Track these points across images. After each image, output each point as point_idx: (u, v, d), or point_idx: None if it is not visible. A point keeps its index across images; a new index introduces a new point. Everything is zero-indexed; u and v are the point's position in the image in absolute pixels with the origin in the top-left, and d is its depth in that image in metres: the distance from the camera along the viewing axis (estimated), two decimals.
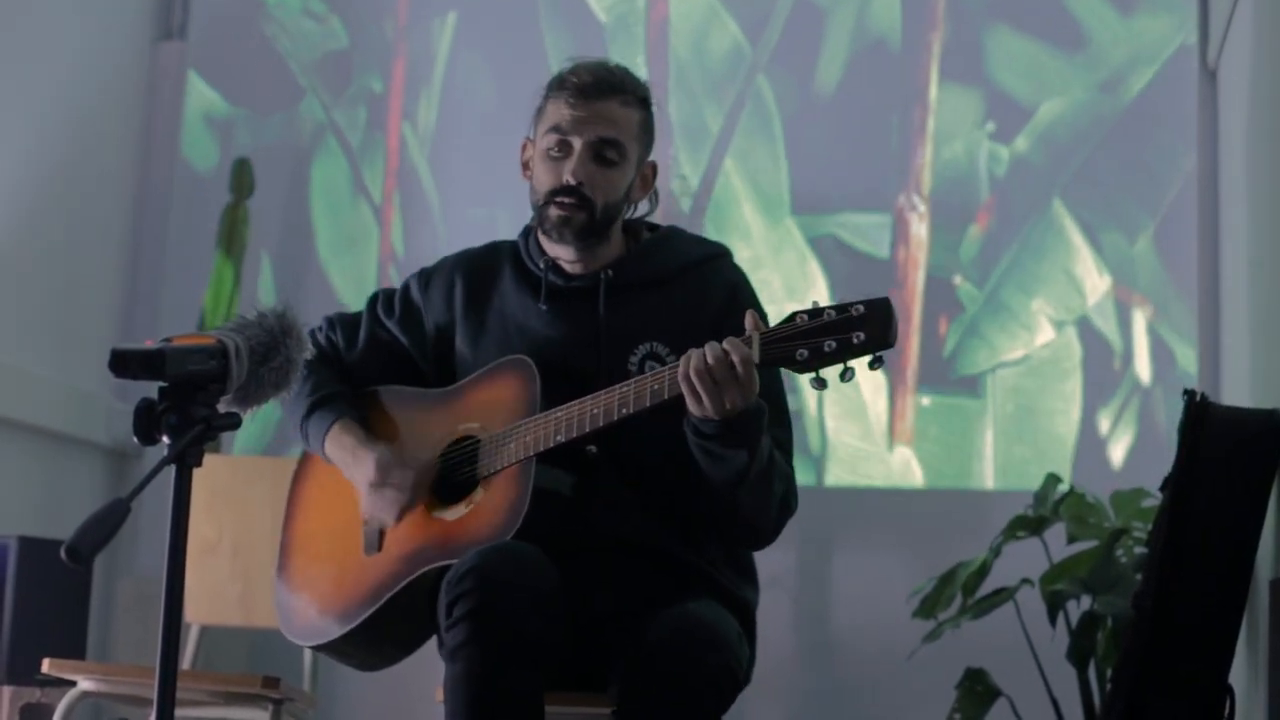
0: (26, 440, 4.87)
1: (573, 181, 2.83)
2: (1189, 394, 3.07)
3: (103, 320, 5.35)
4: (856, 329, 2.52)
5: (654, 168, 2.96)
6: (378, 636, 2.93)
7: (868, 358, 2.53)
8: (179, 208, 5.48)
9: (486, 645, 2.59)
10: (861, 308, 2.53)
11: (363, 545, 2.94)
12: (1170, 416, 4.61)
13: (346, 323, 3.08)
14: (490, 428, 2.84)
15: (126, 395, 5.13)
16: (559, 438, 2.74)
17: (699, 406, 2.61)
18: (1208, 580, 2.94)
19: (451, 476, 2.89)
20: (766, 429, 2.73)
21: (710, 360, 2.59)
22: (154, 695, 2.04)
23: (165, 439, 2.06)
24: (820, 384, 2.56)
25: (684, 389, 2.61)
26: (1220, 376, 4.57)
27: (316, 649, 2.99)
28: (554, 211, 2.86)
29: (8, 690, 4.07)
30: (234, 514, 3.95)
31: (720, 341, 2.60)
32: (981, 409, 4.82)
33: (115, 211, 5.44)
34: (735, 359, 2.58)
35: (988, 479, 4.78)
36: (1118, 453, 4.76)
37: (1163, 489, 3.10)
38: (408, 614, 2.88)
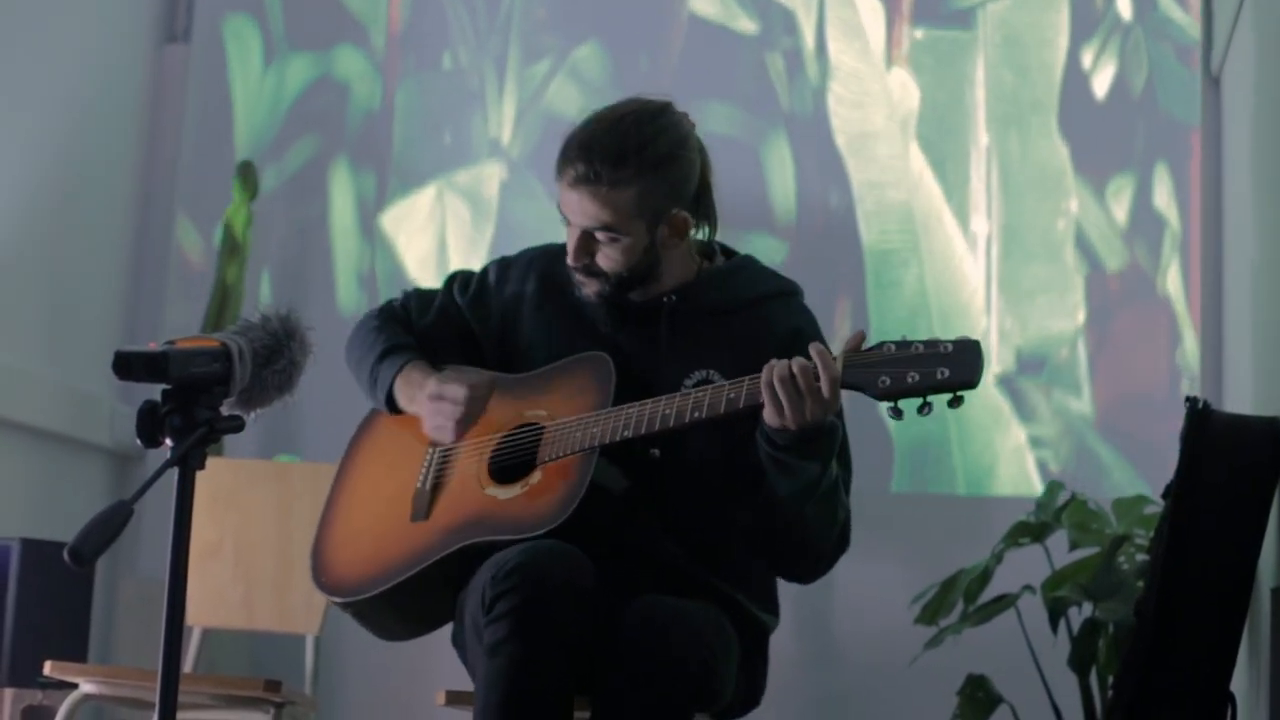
0: (29, 442, 4.87)
1: (572, 263, 2.87)
2: (1191, 401, 3.07)
3: (106, 322, 5.35)
4: (942, 365, 2.53)
5: (683, 219, 2.88)
6: (408, 603, 2.92)
7: (948, 394, 2.54)
8: (183, 209, 5.48)
9: (528, 643, 2.59)
10: (950, 346, 2.54)
11: (411, 511, 2.95)
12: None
13: (422, 295, 3.12)
14: (557, 417, 2.86)
15: (129, 397, 5.13)
16: (626, 433, 2.75)
17: (779, 416, 2.62)
18: (1209, 588, 2.94)
19: (510, 458, 2.90)
20: (837, 449, 2.75)
21: (795, 370, 2.60)
22: (156, 698, 2.04)
23: (168, 441, 2.06)
24: (897, 414, 2.57)
25: (765, 396, 2.62)
26: (1223, 384, 4.57)
27: (344, 606, 2.97)
28: (575, 276, 2.90)
29: (9, 693, 4.07)
30: (236, 517, 3.96)
31: (809, 355, 2.61)
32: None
33: (119, 213, 5.44)
34: (823, 375, 2.59)
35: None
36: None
37: (1165, 496, 3.11)
38: (443, 585, 2.88)
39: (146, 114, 5.55)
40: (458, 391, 2.90)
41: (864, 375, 2.58)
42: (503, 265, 3.08)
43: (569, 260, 2.87)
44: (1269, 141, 3.72)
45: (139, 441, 2.06)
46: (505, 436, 2.92)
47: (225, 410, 2.13)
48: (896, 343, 2.58)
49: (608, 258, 2.86)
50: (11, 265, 4.80)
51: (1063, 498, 4.18)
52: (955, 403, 2.54)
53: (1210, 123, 4.76)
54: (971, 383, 2.52)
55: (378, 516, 2.98)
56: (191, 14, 5.59)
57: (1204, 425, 3.02)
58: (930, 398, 2.54)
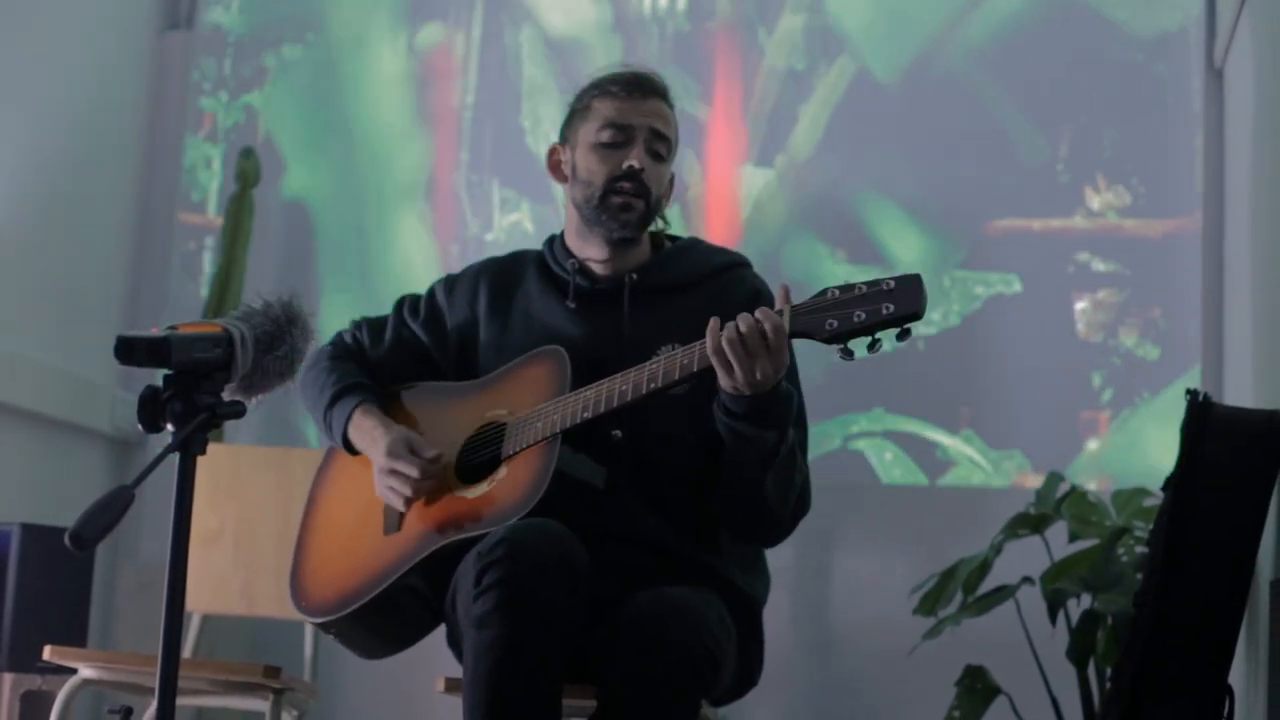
0: (29, 427, 4.87)
1: (637, 165, 2.93)
2: (1192, 394, 3.07)
3: (107, 308, 5.35)
4: (886, 301, 2.54)
5: (673, 177, 3.04)
6: (387, 617, 2.93)
7: (895, 329, 2.56)
8: (184, 195, 5.49)
9: (514, 614, 2.60)
10: (892, 282, 2.56)
11: (383, 526, 2.95)
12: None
13: (373, 324, 3.15)
14: (518, 412, 2.88)
15: (130, 383, 5.14)
16: (585, 414, 2.76)
17: (730, 378, 2.64)
18: (1208, 580, 2.94)
19: (475, 459, 2.91)
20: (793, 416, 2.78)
21: (742, 329, 2.62)
22: (155, 683, 2.04)
23: (169, 427, 2.06)
24: (848, 355, 2.59)
25: (715, 360, 2.64)
26: (1223, 377, 4.58)
27: (324, 627, 2.99)
28: (617, 199, 2.94)
29: (9, 677, 4.07)
30: (237, 503, 3.96)
31: (752, 313, 2.64)
32: None
33: (121, 199, 5.45)
34: (767, 327, 2.62)
35: None
36: None
37: (1164, 489, 3.11)
38: (420, 594, 2.89)
39: (149, 101, 5.55)
40: (410, 470, 2.88)
41: (811, 321, 2.60)
42: (449, 283, 3.12)
43: (630, 164, 2.92)
44: (1270, 134, 3.72)
45: (140, 426, 2.06)
46: (469, 439, 2.93)
47: (227, 396, 2.14)
48: (840, 287, 2.60)
49: (655, 176, 2.96)
50: (13, 251, 4.80)
51: (1062, 489, 4.19)
52: (903, 335, 2.56)
53: (1212, 115, 4.76)
54: (918, 313, 2.54)
55: (351, 535, 2.98)
56: (194, 1, 5.59)
57: (1204, 418, 3.03)
58: (879, 334, 2.56)
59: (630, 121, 2.94)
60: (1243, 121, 4.27)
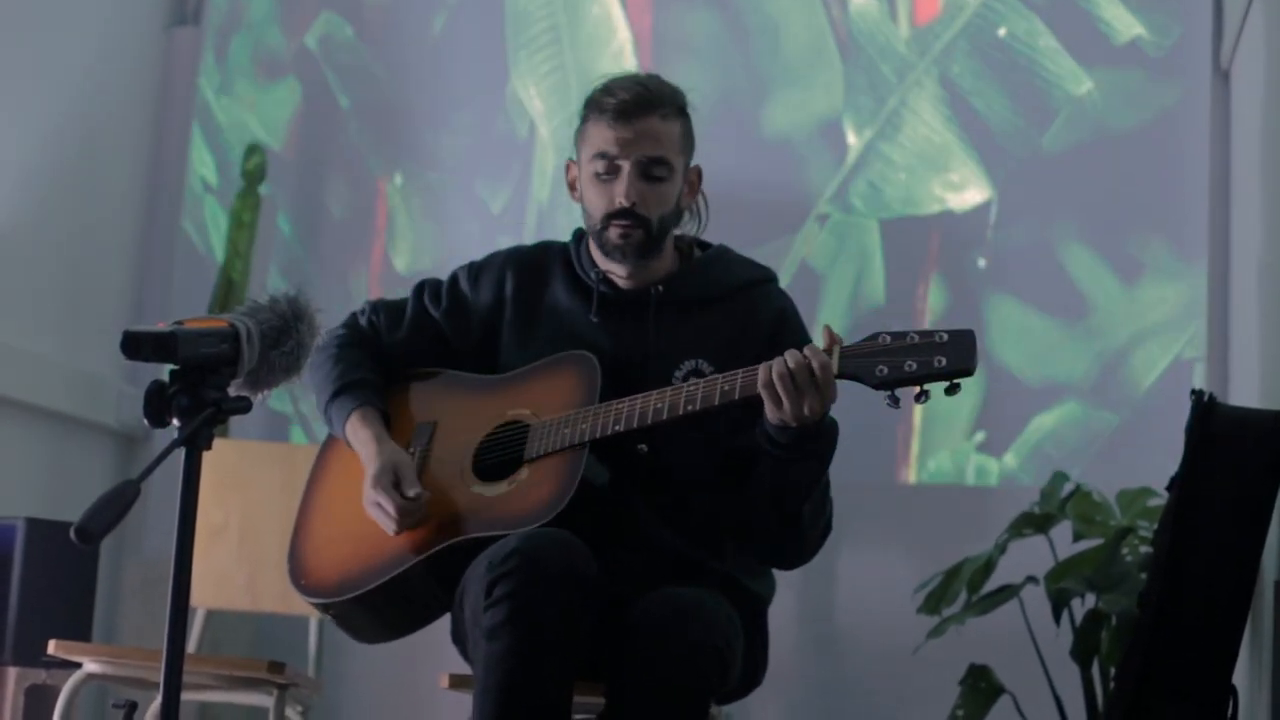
0: (35, 422, 4.88)
1: (625, 203, 2.87)
2: (1197, 394, 3.07)
3: (113, 304, 5.36)
4: (939, 354, 2.55)
5: (698, 172, 2.99)
6: (391, 605, 2.91)
7: (945, 383, 2.55)
8: (191, 191, 5.49)
9: (525, 627, 2.60)
10: (945, 335, 2.56)
11: None
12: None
13: (391, 307, 3.11)
14: (542, 415, 2.86)
15: (136, 378, 5.14)
16: (617, 427, 2.76)
17: (778, 411, 2.64)
18: (1212, 580, 2.94)
19: (495, 456, 2.90)
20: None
21: (792, 365, 2.62)
22: (160, 678, 2.04)
23: (175, 421, 2.06)
24: (895, 402, 2.59)
25: (764, 394, 2.64)
26: (1229, 377, 4.57)
27: (324, 608, 2.97)
28: (612, 233, 2.90)
29: (13, 672, 4.08)
30: (242, 498, 3.96)
31: (801, 349, 2.63)
32: None
33: (128, 195, 5.45)
34: (815, 365, 2.61)
35: None
36: None
37: (1169, 489, 3.11)
38: (426, 586, 2.88)
39: (156, 97, 5.55)
40: (389, 506, 2.86)
41: (861, 365, 2.60)
42: (473, 270, 3.08)
43: (620, 202, 2.86)
44: (1278, 135, 3.71)
45: (146, 421, 2.06)
46: (489, 435, 2.92)
47: (233, 391, 2.14)
48: (892, 333, 2.60)
49: (654, 200, 2.88)
50: (20, 246, 4.81)
51: (1067, 489, 4.18)
52: (952, 390, 2.56)
53: (1219, 116, 4.75)
54: (969, 370, 2.54)
55: (357, 518, 2.95)
56: None
57: (1209, 418, 3.02)
58: (927, 385, 2.56)
59: (615, 152, 2.87)
60: (1250, 122, 4.26)
